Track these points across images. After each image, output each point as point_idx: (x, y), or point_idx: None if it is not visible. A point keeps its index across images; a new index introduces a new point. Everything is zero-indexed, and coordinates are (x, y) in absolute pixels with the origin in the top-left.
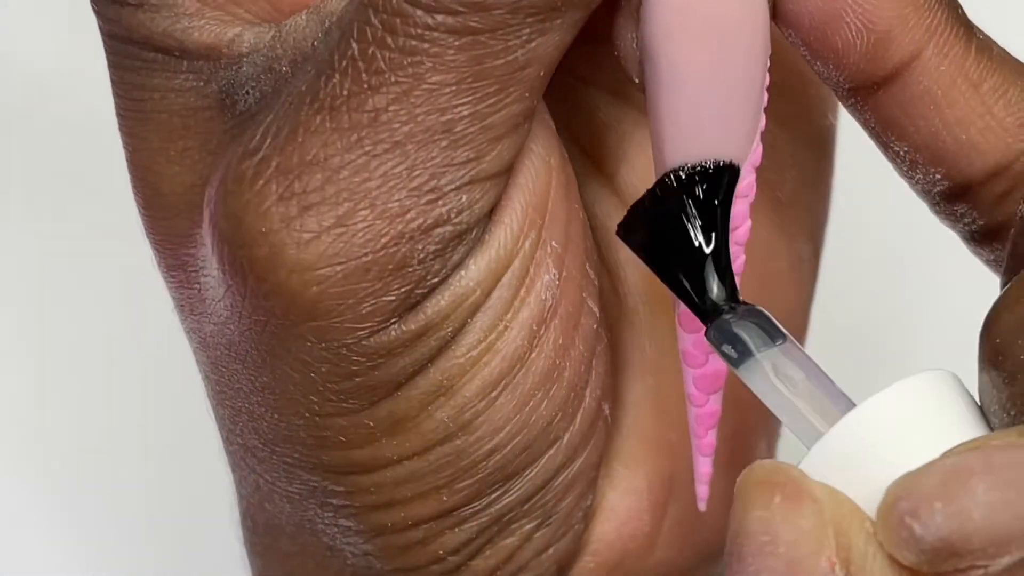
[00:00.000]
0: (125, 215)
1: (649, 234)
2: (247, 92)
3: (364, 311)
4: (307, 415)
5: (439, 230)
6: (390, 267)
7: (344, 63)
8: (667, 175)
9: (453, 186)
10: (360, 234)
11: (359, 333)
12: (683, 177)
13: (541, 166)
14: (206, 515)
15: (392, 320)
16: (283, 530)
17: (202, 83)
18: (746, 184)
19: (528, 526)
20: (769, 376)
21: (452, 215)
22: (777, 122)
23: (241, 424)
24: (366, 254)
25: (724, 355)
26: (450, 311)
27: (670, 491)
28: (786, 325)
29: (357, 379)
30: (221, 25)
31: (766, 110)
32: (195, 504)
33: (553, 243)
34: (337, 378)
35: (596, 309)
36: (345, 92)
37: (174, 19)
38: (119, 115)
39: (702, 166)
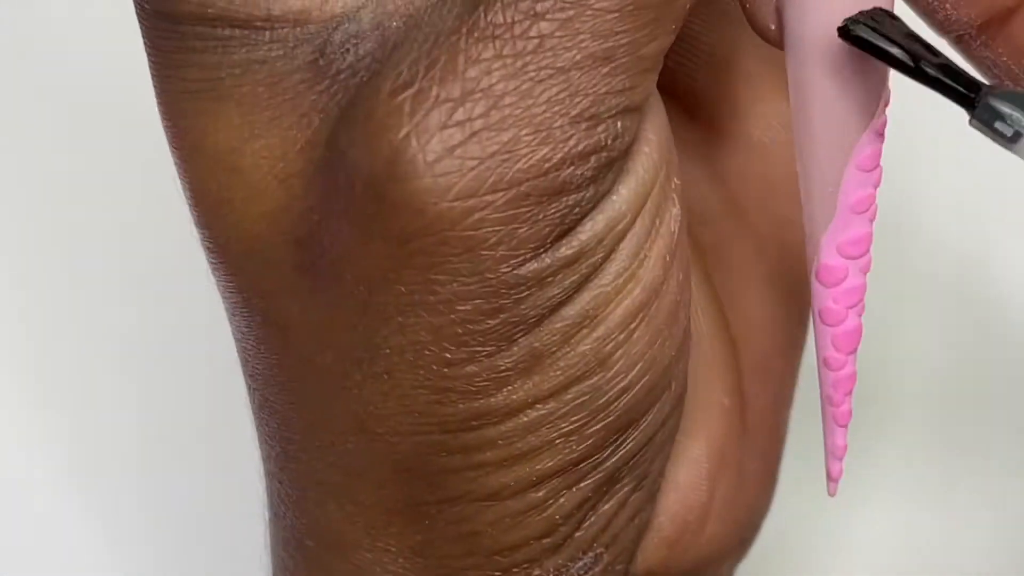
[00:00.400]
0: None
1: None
2: (347, 50)
3: (522, 236)
4: (435, 368)
5: (596, 156)
6: (550, 192)
7: None
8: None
9: (610, 113)
10: (524, 159)
11: (514, 261)
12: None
13: (659, 105)
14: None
15: (547, 245)
16: (343, 547)
17: (288, 49)
18: (882, 120)
19: (626, 488)
20: None
21: (608, 141)
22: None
23: (332, 414)
24: (528, 179)
25: (997, 133)
26: (604, 235)
27: (722, 460)
28: (804, 291)
29: (502, 315)
30: None
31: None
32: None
33: (676, 179)
34: (481, 316)
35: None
36: (509, 20)
37: None
38: (178, 104)
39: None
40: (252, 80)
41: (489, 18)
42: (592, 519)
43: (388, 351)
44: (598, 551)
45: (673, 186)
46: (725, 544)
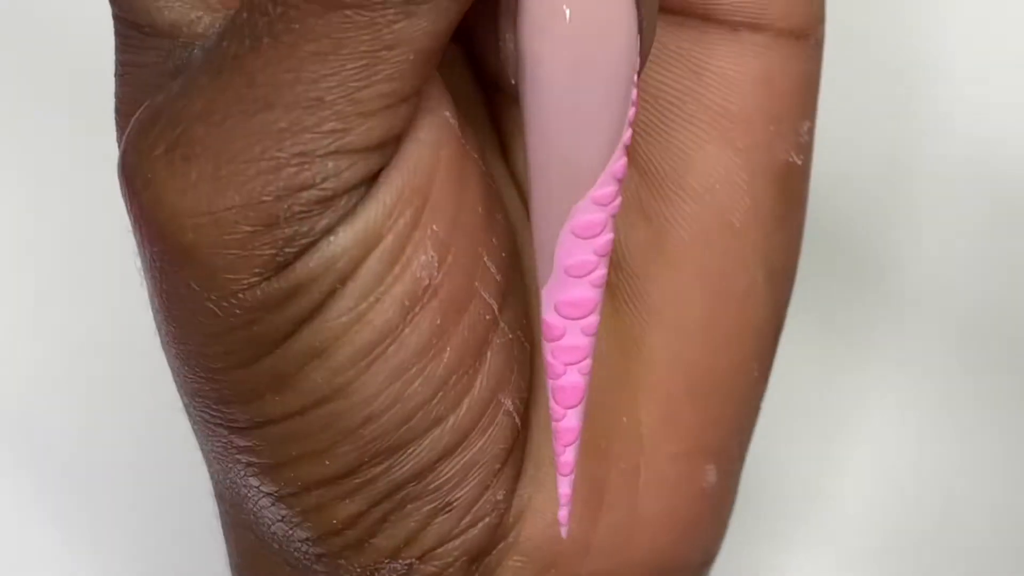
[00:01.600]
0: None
1: None
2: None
3: (236, 263)
4: (209, 366)
5: (306, 193)
6: (259, 222)
7: (233, 28)
8: None
9: (320, 153)
10: (233, 186)
11: (234, 287)
12: None
13: (426, 153)
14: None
15: (265, 275)
16: (250, 532)
17: (161, 60)
18: (605, 192)
19: (426, 508)
20: None
21: (318, 180)
22: (734, 151)
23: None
24: (236, 206)
25: None
26: (318, 274)
27: (602, 497)
28: (742, 341)
29: (239, 332)
30: (186, 7)
31: (632, 124)
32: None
33: (434, 227)
34: (222, 330)
35: (494, 304)
36: (231, 53)
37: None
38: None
39: None
40: (134, 83)
41: (218, 51)
42: (389, 530)
43: (178, 340)
44: (408, 562)
45: (428, 234)
46: None
